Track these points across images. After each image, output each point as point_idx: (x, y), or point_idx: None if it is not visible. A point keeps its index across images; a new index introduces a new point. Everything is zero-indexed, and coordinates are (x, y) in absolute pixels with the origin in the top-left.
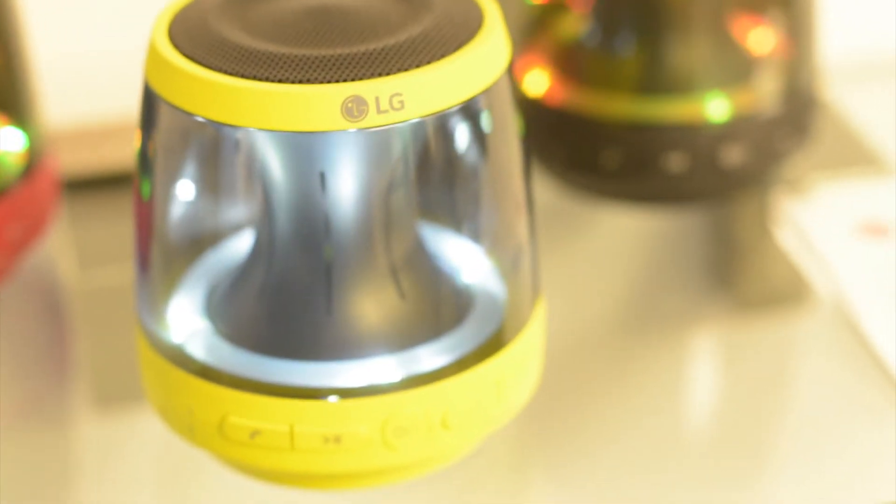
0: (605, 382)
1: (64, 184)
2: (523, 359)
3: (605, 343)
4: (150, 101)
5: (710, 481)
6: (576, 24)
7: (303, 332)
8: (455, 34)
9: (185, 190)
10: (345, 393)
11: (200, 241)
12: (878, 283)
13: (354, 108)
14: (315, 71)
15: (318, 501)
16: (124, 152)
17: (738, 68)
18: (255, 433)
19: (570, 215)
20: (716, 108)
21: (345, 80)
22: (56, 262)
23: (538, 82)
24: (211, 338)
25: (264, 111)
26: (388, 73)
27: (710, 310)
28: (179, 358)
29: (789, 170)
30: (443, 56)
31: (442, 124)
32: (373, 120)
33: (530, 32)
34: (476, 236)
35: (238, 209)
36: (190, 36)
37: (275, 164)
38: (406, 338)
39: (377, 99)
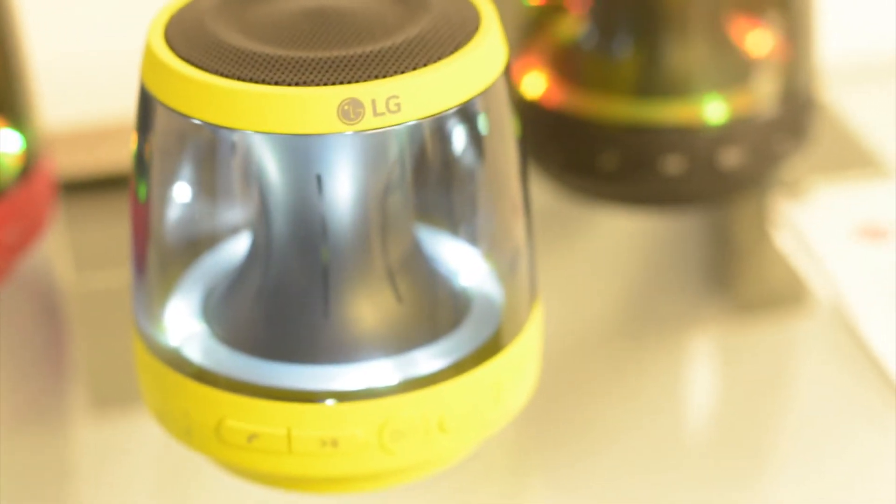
0: (603, 385)
1: (61, 186)
2: (521, 362)
3: (603, 346)
4: (146, 104)
5: (708, 484)
6: (573, 25)
7: (300, 336)
8: (452, 36)
9: (181, 192)
10: (342, 396)
11: (197, 243)
12: (876, 285)
13: (351, 111)
14: (311, 73)
15: None
16: (121, 154)
17: (736, 70)
18: (252, 437)
19: (568, 218)
20: (714, 110)
21: (341, 83)
22: (53, 265)
23: (536, 84)
24: (208, 341)
25: (260, 114)
26: (384, 76)
27: (708, 312)
28: (176, 361)
29: (787, 172)
30: (439, 58)
31: (439, 127)
32: (369, 122)
33: (528, 34)
34: (473, 239)
35: (234, 212)
36: (186, 38)
37: (271, 167)
38: (403, 341)
39: (373, 101)
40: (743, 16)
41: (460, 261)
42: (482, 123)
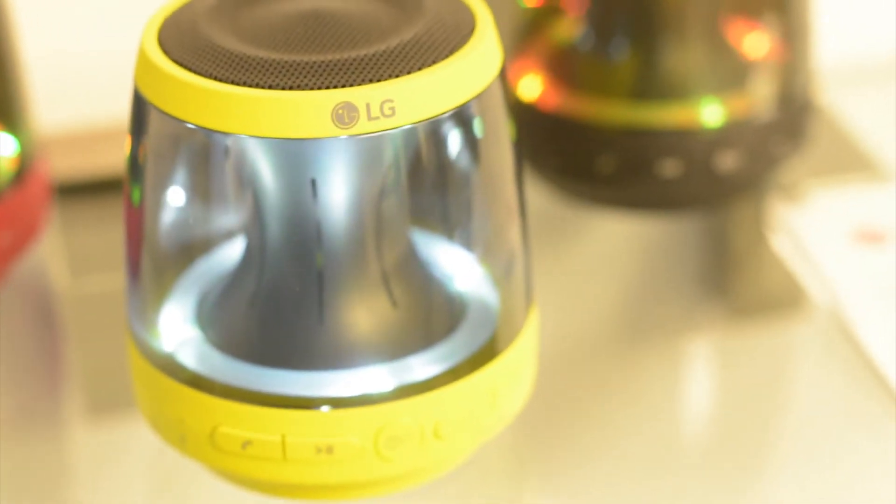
0: (599, 390)
1: (55, 189)
2: (517, 367)
3: (599, 350)
4: (140, 107)
5: (706, 489)
6: (570, 28)
7: (294, 342)
8: (447, 40)
9: (175, 197)
10: (337, 403)
11: (191, 248)
12: (873, 289)
13: (345, 115)
14: (305, 77)
15: None
16: (117, 157)
17: (733, 73)
18: (246, 443)
19: (564, 221)
20: (710, 113)
21: (335, 87)
22: (47, 268)
23: (532, 87)
24: (202, 347)
25: (254, 118)
26: (379, 80)
27: (705, 316)
28: (170, 367)
29: (784, 175)
30: (434, 62)
31: (433, 131)
32: (364, 127)
33: (524, 37)
34: (469, 243)
35: (229, 216)
36: (180, 41)
37: (265, 171)
38: (398, 347)
39: (368, 105)
40: (740, 18)
41: (456, 266)
42: (477, 127)
